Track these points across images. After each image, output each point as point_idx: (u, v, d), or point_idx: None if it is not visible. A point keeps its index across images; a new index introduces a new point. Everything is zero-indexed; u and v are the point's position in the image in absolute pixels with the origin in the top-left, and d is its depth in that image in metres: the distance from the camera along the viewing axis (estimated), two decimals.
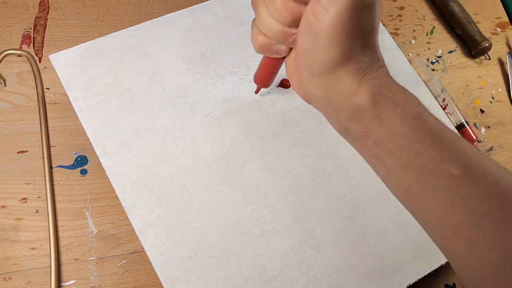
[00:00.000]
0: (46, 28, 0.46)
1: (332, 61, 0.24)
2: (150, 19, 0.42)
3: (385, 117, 0.24)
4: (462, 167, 0.22)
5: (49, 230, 0.38)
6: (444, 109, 0.50)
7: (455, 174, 0.22)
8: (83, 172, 0.41)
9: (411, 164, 0.23)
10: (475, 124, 0.54)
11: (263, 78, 0.36)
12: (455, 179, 0.22)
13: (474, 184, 0.21)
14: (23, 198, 0.40)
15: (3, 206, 0.39)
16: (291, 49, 0.28)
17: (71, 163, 0.41)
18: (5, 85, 0.43)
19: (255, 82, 0.37)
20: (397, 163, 0.24)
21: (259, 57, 0.43)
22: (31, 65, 0.44)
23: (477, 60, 0.57)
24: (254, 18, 0.28)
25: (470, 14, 0.56)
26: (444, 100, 0.51)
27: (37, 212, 0.39)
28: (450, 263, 0.24)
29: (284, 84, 0.43)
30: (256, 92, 0.41)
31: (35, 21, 0.46)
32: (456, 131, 0.45)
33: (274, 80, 0.37)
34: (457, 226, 0.22)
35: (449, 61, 0.55)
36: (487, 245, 0.21)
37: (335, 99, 0.25)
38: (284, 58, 0.30)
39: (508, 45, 0.59)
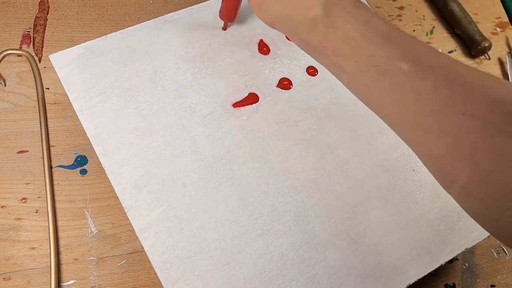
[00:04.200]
0: (46, 28, 0.46)
1: None
2: (150, 19, 0.42)
3: (338, 25, 0.26)
4: (411, 63, 0.23)
5: (49, 230, 0.38)
6: None
7: (405, 69, 0.23)
8: (83, 172, 0.41)
9: (367, 66, 0.25)
10: None
11: (229, 13, 0.41)
12: (406, 74, 0.23)
13: (423, 76, 0.23)
14: (23, 198, 0.40)
15: (3, 206, 0.39)
16: None
17: (71, 163, 0.41)
18: (5, 85, 0.43)
19: (221, 18, 0.42)
20: (354, 69, 0.26)
21: (259, 57, 0.44)
22: (31, 65, 0.44)
23: (477, 60, 0.57)
24: None
25: (470, 14, 0.56)
26: None
27: (37, 212, 0.39)
28: (415, 153, 0.26)
29: (284, 84, 0.43)
30: (224, 28, 0.44)
31: (35, 21, 0.46)
32: None
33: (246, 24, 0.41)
34: (413, 117, 0.24)
35: None
36: (441, 131, 0.22)
37: (295, 16, 0.28)
38: None
39: (508, 45, 0.59)
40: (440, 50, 0.25)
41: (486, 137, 0.21)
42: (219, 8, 0.41)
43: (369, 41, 0.25)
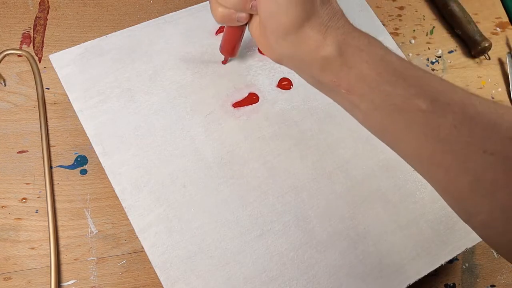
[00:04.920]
0: (46, 28, 0.46)
1: (295, 20, 0.25)
2: (150, 19, 0.42)
3: (352, 64, 0.25)
4: (429, 100, 0.23)
5: (49, 230, 0.38)
6: None
7: (423, 108, 0.23)
8: (83, 172, 0.41)
9: (383, 105, 0.25)
10: None
11: (229, 48, 0.38)
12: (424, 112, 0.23)
13: (442, 114, 0.23)
14: (23, 198, 0.40)
15: (3, 206, 0.39)
16: (251, 15, 0.30)
17: (71, 163, 0.41)
18: (5, 85, 0.43)
19: (221, 53, 0.39)
20: (370, 106, 0.25)
21: (259, 57, 0.44)
22: (31, 65, 0.44)
23: (477, 60, 0.57)
24: None
25: (470, 14, 0.56)
26: None
27: (37, 212, 0.39)
28: (434, 188, 0.26)
29: (284, 84, 0.43)
30: (224, 62, 0.42)
31: (35, 21, 0.46)
32: None
33: (255, 59, 0.39)
34: (432, 155, 0.24)
35: (449, 61, 0.55)
36: (461, 169, 0.23)
37: (305, 55, 0.27)
38: (245, 25, 0.31)
39: (508, 45, 0.59)
40: (440, 51, 0.25)
41: (505, 173, 0.21)
42: (220, 42, 0.38)
43: (385, 79, 0.24)
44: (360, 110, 0.26)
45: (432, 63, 0.55)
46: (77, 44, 0.40)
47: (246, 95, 0.42)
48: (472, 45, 0.56)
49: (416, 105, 0.23)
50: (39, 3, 0.47)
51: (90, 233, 0.39)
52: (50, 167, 0.41)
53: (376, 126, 0.27)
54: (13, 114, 0.42)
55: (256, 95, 0.42)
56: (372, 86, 0.25)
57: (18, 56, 0.44)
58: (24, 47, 0.45)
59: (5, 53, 0.44)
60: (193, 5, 0.44)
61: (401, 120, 0.24)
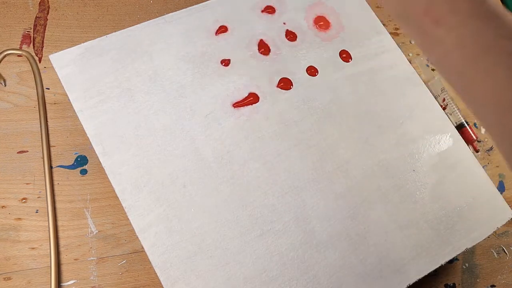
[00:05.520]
0: (46, 28, 0.46)
1: None
2: (150, 19, 0.42)
3: None
4: None
5: (49, 230, 0.38)
6: (444, 109, 0.50)
7: (511, 50, 0.22)
8: (83, 172, 0.41)
9: (470, 40, 0.24)
10: (475, 124, 0.54)
11: None
12: (511, 55, 0.22)
13: None
14: (23, 198, 0.40)
15: (3, 206, 0.39)
16: None
17: (71, 163, 0.41)
18: (5, 85, 0.43)
19: None
20: (455, 42, 0.24)
21: (259, 57, 0.44)
22: (31, 65, 0.44)
23: None
24: None
25: None
26: (444, 100, 0.51)
27: (37, 212, 0.39)
28: (499, 146, 0.25)
29: (284, 84, 0.43)
30: None
31: (35, 21, 0.46)
32: (456, 131, 0.45)
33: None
34: None
35: None
36: None
37: None
38: None
39: None
40: None
41: None
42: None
43: (478, 14, 0.23)
44: (442, 46, 0.25)
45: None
46: (77, 44, 0.40)
47: (246, 95, 0.42)
48: None
49: (505, 46, 0.22)
50: (39, 3, 0.47)
51: (90, 233, 0.39)
52: (50, 167, 0.41)
53: (456, 65, 0.25)
54: (13, 114, 0.42)
55: (256, 95, 0.42)
56: (464, 19, 0.24)
57: (18, 56, 0.44)
58: (24, 47, 0.45)
59: (5, 53, 0.44)
60: (193, 5, 0.44)
61: (486, 59, 0.23)
